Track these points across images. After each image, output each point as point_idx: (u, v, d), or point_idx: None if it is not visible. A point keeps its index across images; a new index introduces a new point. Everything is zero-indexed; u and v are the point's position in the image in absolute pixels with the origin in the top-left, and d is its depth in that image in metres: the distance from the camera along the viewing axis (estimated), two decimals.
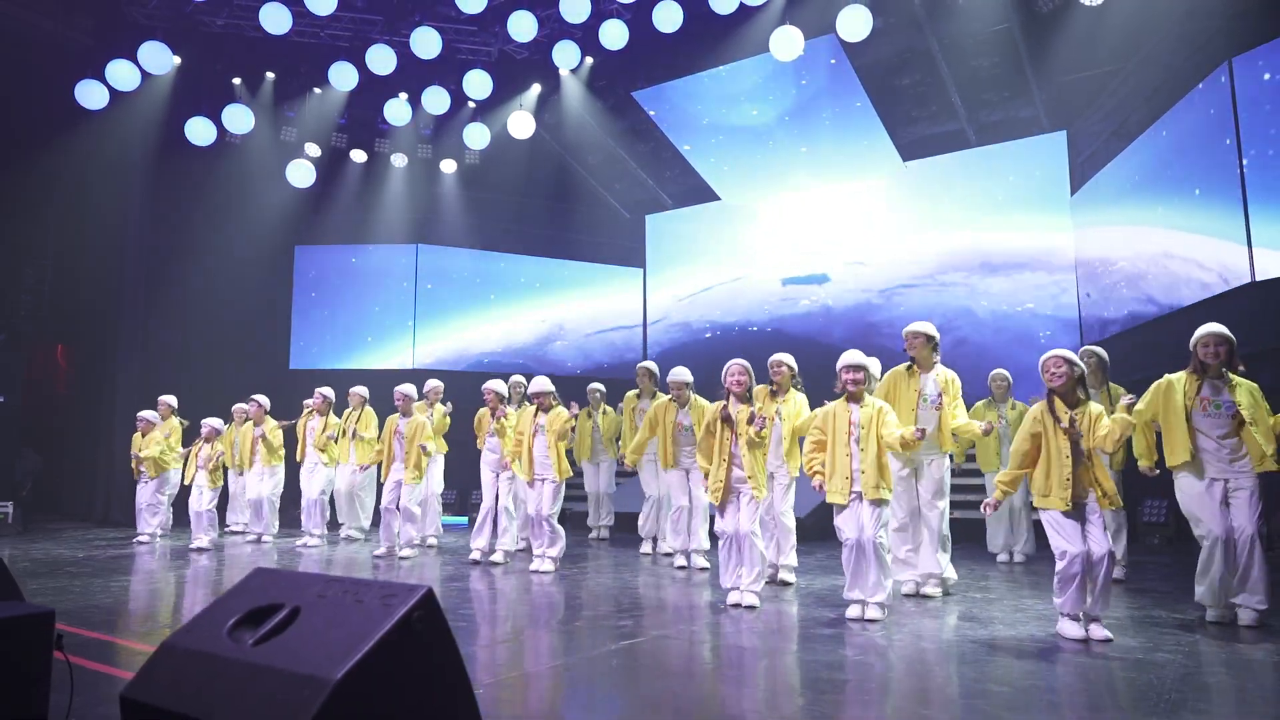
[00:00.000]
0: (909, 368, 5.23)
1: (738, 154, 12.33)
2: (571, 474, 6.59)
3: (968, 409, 7.20)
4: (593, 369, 13.21)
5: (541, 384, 6.60)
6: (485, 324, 13.06)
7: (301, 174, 11.18)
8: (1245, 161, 7.10)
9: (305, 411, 8.72)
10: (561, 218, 13.69)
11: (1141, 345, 8.54)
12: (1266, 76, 7.05)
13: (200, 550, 7.74)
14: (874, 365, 4.97)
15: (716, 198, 13.14)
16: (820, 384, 5.46)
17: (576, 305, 13.61)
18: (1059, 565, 3.98)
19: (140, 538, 8.48)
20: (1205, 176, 7.63)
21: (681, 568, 6.43)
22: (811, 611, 4.77)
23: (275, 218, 11.92)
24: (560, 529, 6.48)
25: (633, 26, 9.42)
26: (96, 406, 10.87)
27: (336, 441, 8.37)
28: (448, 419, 8.55)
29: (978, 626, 4.29)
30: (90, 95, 9.48)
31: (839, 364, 4.74)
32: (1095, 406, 4.11)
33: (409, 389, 7.59)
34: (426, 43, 9.53)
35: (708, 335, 13.19)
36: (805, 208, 12.48)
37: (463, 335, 12.92)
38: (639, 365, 7.81)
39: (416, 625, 1.95)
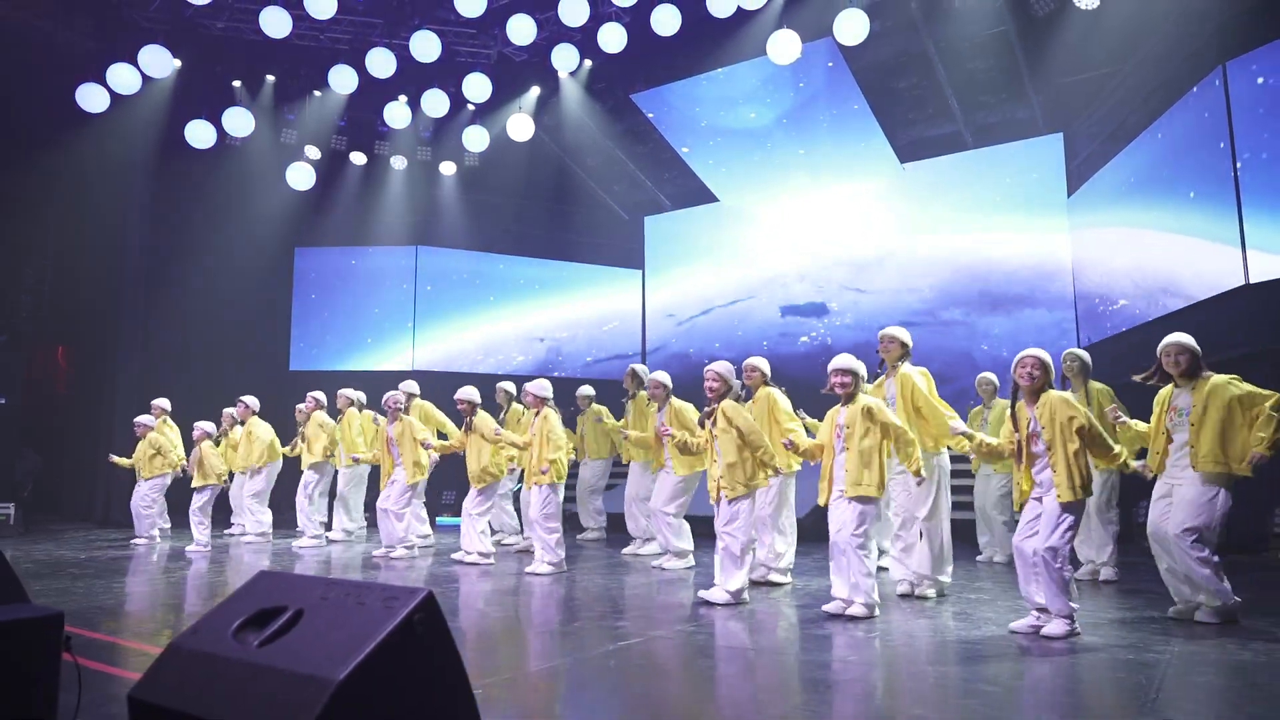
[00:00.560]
0: (877, 376, 5.37)
1: (736, 156, 12.38)
2: (566, 477, 6.64)
3: (964, 414, 7.30)
4: (591, 370, 13.26)
5: (538, 387, 6.64)
6: (485, 326, 13.11)
7: (301, 176, 11.23)
8: (1239, 165, 7.15)
9: (301, 416, 8.78)
10: (560, 219, 13.74)
11: (1136, 347, 8.59)
12: (1260, 80, 7.10)
13: (198, 551, 7.78)
14: (863, 369, 5.03)
15: (715, 199, 13.19)
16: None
17: (576, 306, 13.66)
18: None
19: (139, 540, 8.53)
20: (1200, 179, 7.68)
21: (671, 568, 6.50)
22: (805, 612, 4.82)
23: (275, 220, 11.97)
24: (559, 532, 6.52)
25: (631, 30, 9.47)
26: (96, 407, 10.92)
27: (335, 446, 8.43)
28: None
29: (969, 627, 4.34)
30: (91, 98, 9.53)
31: (829, 368, 4.83)
32: (1056, 394, 4.17)
33: (398, 395, 7.64)
34: (426, 46, 9.58)
35: (710, 336, 13.25)
36: (803, 209, 12.53)
37: (462, 337, 12.97)
38: (629, 368, 7.89)
39: (417, 627, 1.99)
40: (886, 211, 11.83)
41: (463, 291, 13.04)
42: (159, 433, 8.70)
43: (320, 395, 8.63)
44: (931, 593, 5.18)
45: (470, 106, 11.23)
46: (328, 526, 8.79)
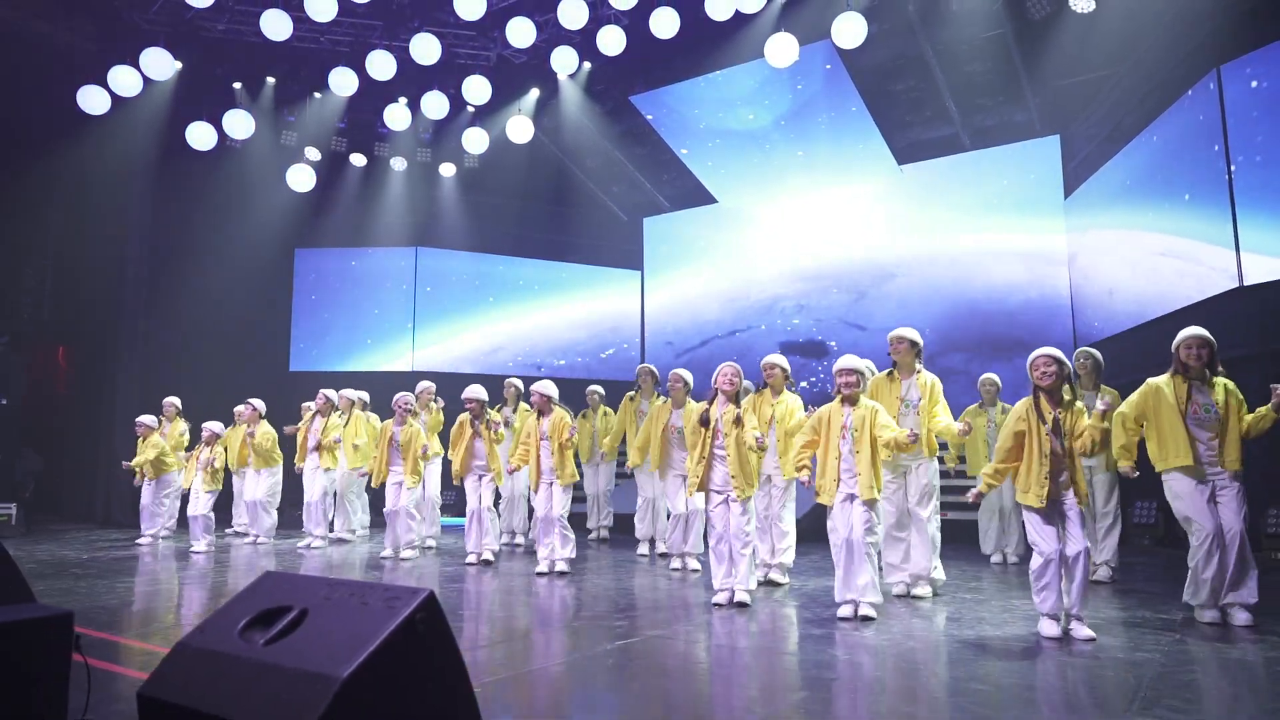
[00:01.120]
0: (890, 373, 5.37)
1: (734, 157, 12.44)
2: (578, 478, 6.66)
3: (958, 413, 7.34)
4: (591, 371, 13.31)
5: (544, 388, 6.68)
6: (484, 326, 13.16)
7: (301, 178, 11.27)
8: (1233, 168, 7.20)
9: (307, 414, 8.81)
10: (560, 221, 13.79)
11: (1131, 348, 8.65)
12: (1254, 84, 7.15)
13: (199, 553, 7.83)
14: (869, 368, 5.09)
15: (713, 200, 13.25)
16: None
17: (575, 307, 13.71)
18: (1034, 565, 4.11)
19: (142, 539, 8.57)
20: (1195, 182, 7.73)
21: (677, 570, 6.53)
22: (804, 612, 4.87)
23: (275, 221, 12.02)
24: (570, 530, 6.54)
25: (630, 32, 9.52)
26: (97, 408, 10.96)
27: (339, 444, 8.46)
28: (441, 415, 8.68)
29: (965, 627, 4.39)
30: (92, 100, 9.58)
31: (834, 368, 4.86)
32: (1080, 407, 4.21)
33: (408, 397, 7.68)
34: (426, 48, 9.62)
35: (706, 339, 13.29)
36: (801, 211, 12.58)
37: (462, 338, 13.02)
38: (640, 366, 7.91)
39: (419, 626, 2.05)
40: (884, 213, 11.89)
41: (462, 292, 13.10)
42: (170, 434, 8.75)
43: (331, 394, 8.65)
44: (927, 592, 5.23)
45: (470, 108, 11.28)
46: (330, 528, 8.83)
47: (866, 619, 4.49)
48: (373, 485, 7.90)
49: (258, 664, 2.02)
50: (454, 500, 11.11)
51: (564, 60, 10.15)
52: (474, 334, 13.09)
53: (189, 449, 8.90)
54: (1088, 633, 4.01)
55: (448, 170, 12.70)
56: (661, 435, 6.52)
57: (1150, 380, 4.59)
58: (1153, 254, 8.43)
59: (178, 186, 11.33)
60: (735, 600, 4.96)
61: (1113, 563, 5.82)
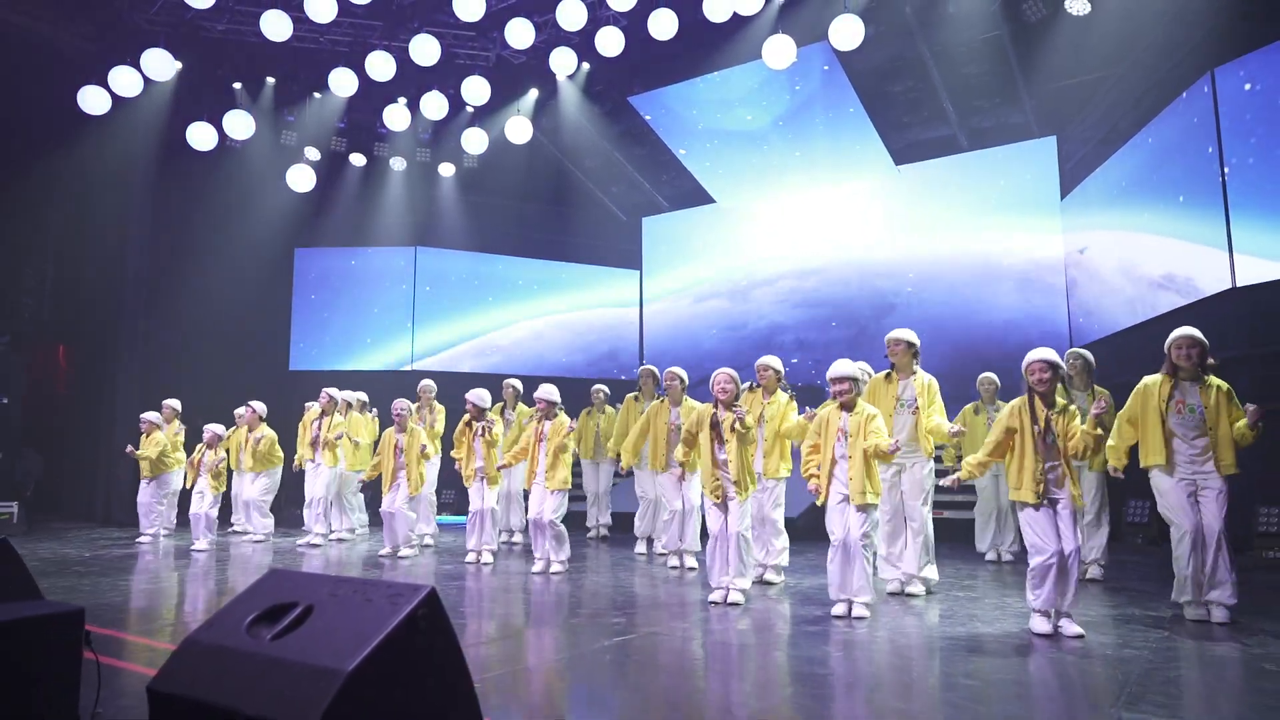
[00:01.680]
0: (888, 374, 5.44)
1: (732, 158, 12.49)
2: (569, 486, 6.68)
3: (955, 412, 7.41)
4: (590, 370, 13.36)
5: (547, 392, 6.72)
6: (483, 326, 13.21)
7: (301, 178, 11.32)
8: (1227, 170, 7.26)
9: (310, 412, 8.87)
10: (559, 221, 13.85)
11: (1125, 349, 8.72)
12: (1247, 86, 7.21)
13: (200, 551, 7.88)
14: (863, 371, 5.14)
15: (712, 200, 13.30)
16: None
17: (574, 307, 13.77)
18: (1033, 562, 4.16)
19: (142, 538, 8.63)
20: (1189, 183, 7.80)
21: (674, 568, 6.59)
22: (798, 609, 4.93)
23: (275, 221, 12.06)
24: (565, 533, 6.60)
25: (628, 34, 9.57)
26: (97, 407, 11.01)
27: (340, 440, 8.51)
28: (442, 418, 8.75)
29: (957, 624, 4.45)
30: (93, 101, 9.62)
31: (828, 375, 4.91)
32: (1073, 409, 4.27)
33: (405, 404, 7.72)
34: (425, 49, 9.67)
35: (705, 339, 13.35)
36: (799, 211, 12.64)
37: (461, 337, 13.07)
38: (642, 368, 7.98)
39: (421, 622, 2.10)
40: (881, 213, 11.95)
41: (461, 292, 13.15)
42: (167, 436, 8.81)
43: (335, 392, 8.70)
44: (920, 590, 5.30)
45: (469, 109, 11.32)
46: (329, 527, 8.88)
47: (860, 618, 4.56)
48: (367, 480, 7.99)
49: (265, 658, 2.08)
50: (453, 499, 11.17)
51: (563, 61, 10.20)
52: (473, 333, 13.15)
53: (188, 450, 8.93)
54: (1076, 629, 4.08)
55: (447, 170, 12.75)
56: (666, 435, 6.62)
57: (1144, 379, 4.67)
58: (1147, 255, 8.50)
59: (178, 187, 11.38)
60: (729, 600, 5.02)
61: (1102, 560, 5.88)
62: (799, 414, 5.78)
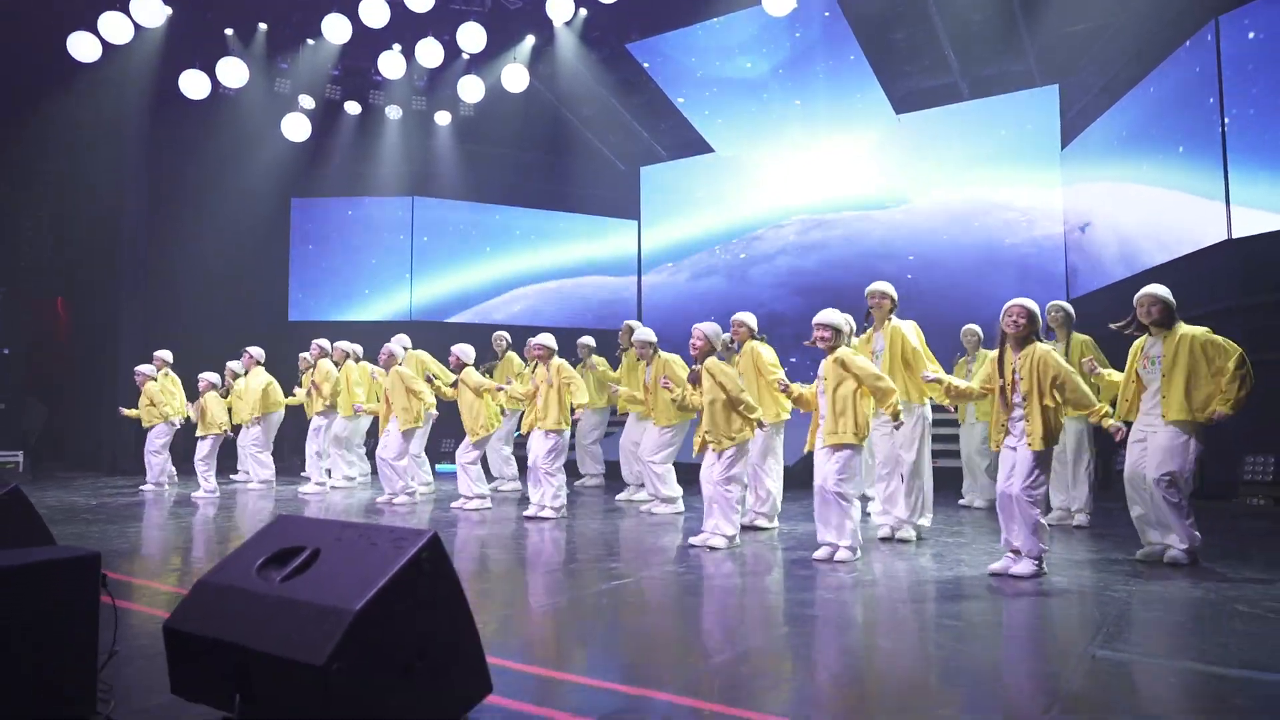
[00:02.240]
0: (865, 329, 5.55)
1: (731, 106, 12.36)
2: (569, 425, 6.84)
3: (949, 366, 7.50)
4: (587, 320, 13.40)
5: (545, 340, 6.82)
6: (481, 276, 13.22)
7: (297, 128, 11.22)
8: (1227, 120, 7.22)
9: (306, 365, 8.94)
10: (556, 170, 13.75)
11: (1123, 300, 8.72)
12: (1251, 35, 7.14)
13: (202, 498, 8.01)
14: (848, 322, 5.20)
15: (710, 150, 13.19)
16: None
17: (572, 257, 13.75)
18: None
19: (147, 486, 8.77)
20: (1189, 134, 7.76)
21: (662, 512, 6.75)
22: (790, 555, 5.06)
23: (271, 170, 11.99)
24: (556, 476, 6.73)
25: None
26: (99, 357, 11.09)
27: (335, 391, 8.60)
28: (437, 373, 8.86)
29: (944, 568, 4.59)
30: (83, 48, 9.48)
31: (813, 321, 5.00)
32: (1042, 347, 4.35)
33: (394, 348, 7.77)
34: None
35: (703, 289, 13.36)
36: (798, 160, 12.55)
37: (459, 287, 13.09)
38: (624, 324, 8.11)
39: (425, 565, 2.20)
40: (881, 162, 11.87)
41: (459, 242, 13.12)
42: (159, 385, 8.88)
43: (325, 343, 8.77)
44: (911, 536, 5.43)
45: (465, 56, 11.17)
46: (329, 474, 9.02)
47: (841, 562, 4.69)
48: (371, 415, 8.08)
49: (275, 599, 2.18)
50: (452, 448, 11.29)
51: (560, 7, 10.03)
52: (471, 283, 13.16)
53: (191, 400, 9.02)
54: (1021, 568, 4.21)
55: (443, 119, 12.62)
56: (655, 386, 6.75)
57: (1137, 340, 4.82)
58: (1145, 206, 8.49)
59: (172, 136, 11.29)
60: (709, 544, 5.17)
61: (1088, 508, 6.02)
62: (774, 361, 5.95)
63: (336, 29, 10.08)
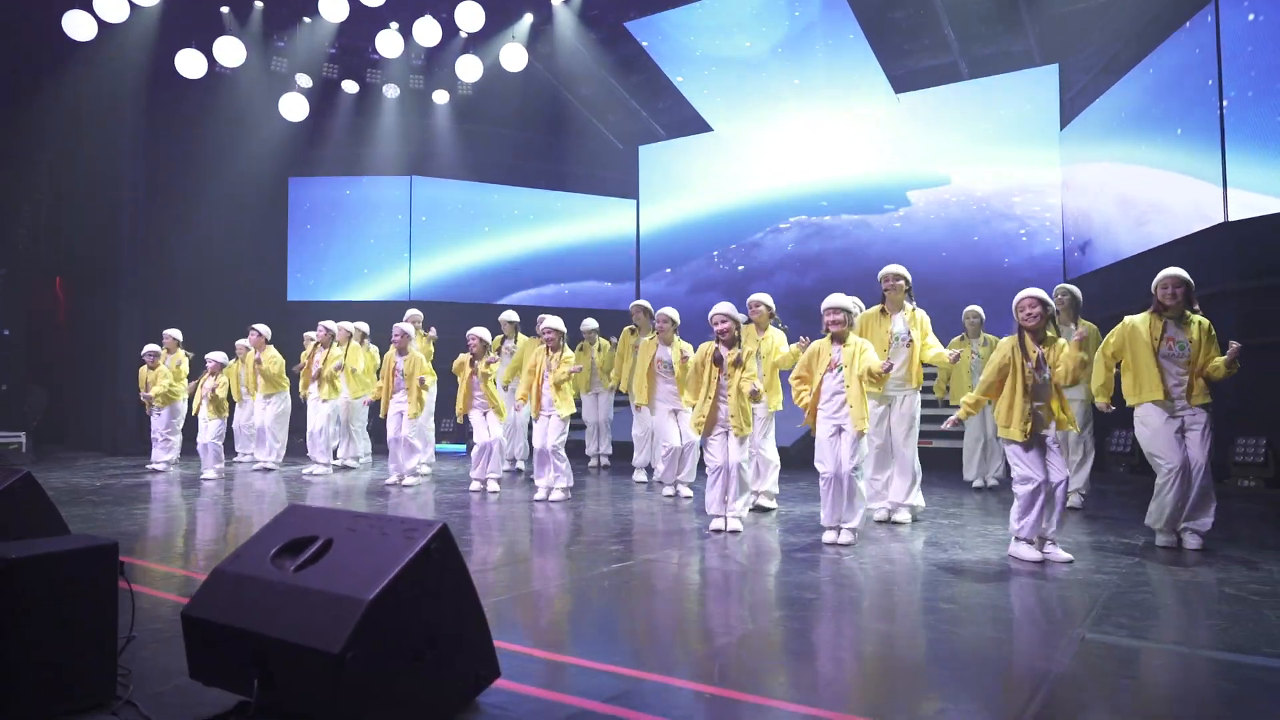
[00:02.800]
0: (881, 309, 5.55)
1: (730, 85, 12.32)
2: (575, 410, 6.91)
3: (944, 345, 7.53)
4: (586, 301, 13.44)
5: (554, 323, 6.85)
6: (480, 256, 13.23)
7: (295, 107, 11.18)
8: (1225, 103, 7.23)
9: (310, 345, 8.99)
10: (555, 149, 13.72)
11: (1119, 281, 8.81)
12: (1250, 17, 7.13)
13: (209, 479, 8.09)
14: (856, 305, 5.26)
15: (709, 129, 13.16)
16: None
17: (570, 236, 13.76)
18: (1021, 492, 4.36)
19: (154, 466, 8.84)
20: (1187, 116, 7.77)
21: (670, 497, 6.82)
22: (790, 537, 5.15)
23: (268, 149, 11.96)
24: (564, 461, 6.80)
25: None
26: (100, 338, 11.12)
27: (339, 372, 8.65)
28: (432, 345, 8.91)
29: (940, 551, 4.68)
30: (78, 26, 9.43)
31: (822, 307, 5.03)
32: (1062, 342, 4.41)
33: (407, 327, 7.82)
34: None
35: (702, 268, 13.39)
36: (797, 139, 12.53)
37: (458, 267, 13.10)
38: (634, 304, 8.10)
39: (435, 555, 2.27)
40: (880, 142, 11.85)
41: (458, 222, 13.12)
42: (171, 366, 8.93)
43: (331, 325, 8.81)
44: (906, 517, 5.52)
45: (463, 35, 11.11)
46: (334, 455, 9.10)
47: (846, 544, 4.77)
48: (381, 415, 8.06)
49: (290, 588, 2.25)
50: (451, 428, 11.38)
51: None
52: (470, 264, 13.17)
53: (191, 379, 9.07)
54: (1064, 555, 4.29)
55: (441, 98, 12.57)
56: (649, 369, 6.79)
57: (1126, 319, 4.79)
58: (1143, 187, 8.51)
59: (169, 116, 11.25)
60: (730, 529, 5.23)
61: (1084, 490, 6.11)
62: (790, 345, 5.94)
63: (334, 7, 10.04)
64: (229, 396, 8.98)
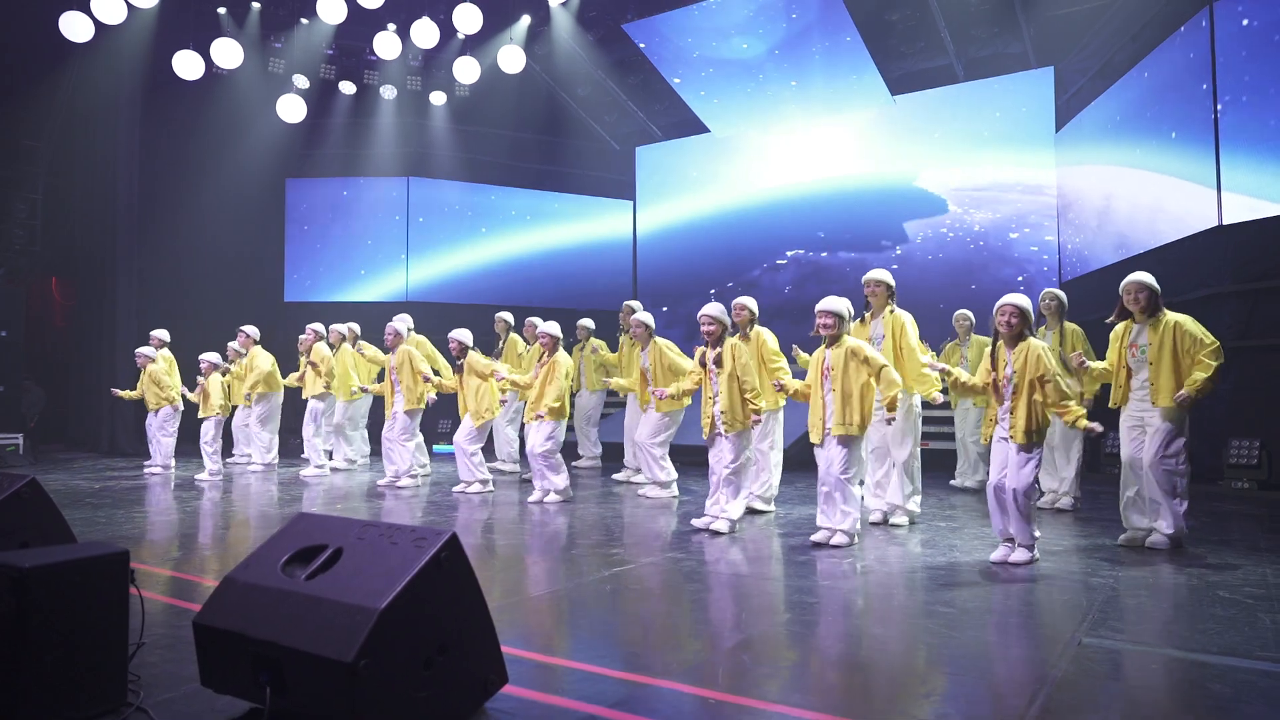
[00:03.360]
0: (863, 317, 5.63)
1: (727, 87, 12.36)
2: (568, 415, 6.96)
3: (938, 350, 7.62)
4: (583, 302, 13.46)
5: (550, 328, 6.88)
6: (477, 257, 13.25)
7: (292, 109, 11.18)
8: (1219, 107, 7.29)
9: (303, 348, 9.01)
10: (552, 151, 13.75)
11: (1113, 285, 8.83)
12: (1245, 22, 7.18)
13: (205, 481, 8.10)
14: (848, 309, 5.30)
15: (706, 130, 13.19)
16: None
17: (567, 237, 13.78)
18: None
19: (152, 468, 8.85)
20: (1182, 120, 7.82)
21: (648, 499, 6.86)
22: (788, 540, 5.19)
23: (266, 150, 11.97)
24: (556, 463, 6.84)
25: None
26: (96, 338, 11.11)
27: (332, 375, 8.67)
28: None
29: (937, 554, 4.72)
30: (75, 27, 9.41)
31: (815, 309, 5.08)
32: (1036, 343, 4.43)
33: (396, 326, 7.84)
34: None
35: (699, 270, 13.41)
36: (794, 140, 12.57)
37: (455, 268, 13.12)
38: (625, 304, 8.17)
39: (444, 564, 2.30)
40: (876, 143, 11.90)
41: (455, 223, 13.14)
42: (160, 366, 8.92)
43: (320, 327, 8.84)
44: (903, 521, 5.57)
45: (460, 36, 11.12)
46: (329, 456, 9.11)
47: (836, 547, 4.82)
48: (375, 394, 8.11)
49: (301, 596, 2.28)
50: (448, 430, 11.39)
51: None
52: (467, 264, 13.19)
53: (189, 381, 9.07)
54: (1018, 556, 4.34)
55: (438, 99, 12.59)
56: (640, 376, 6.89)
57: (1116, 327, 4.91)
58: (1137, 191, 8.57)
59: (166, 117, 11.24)
60: (712, 528, 5.29)
61: (1074, 493, 6.16)
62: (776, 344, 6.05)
63: (331, 8, 10.03)
64: (228, 397, 8.99)
